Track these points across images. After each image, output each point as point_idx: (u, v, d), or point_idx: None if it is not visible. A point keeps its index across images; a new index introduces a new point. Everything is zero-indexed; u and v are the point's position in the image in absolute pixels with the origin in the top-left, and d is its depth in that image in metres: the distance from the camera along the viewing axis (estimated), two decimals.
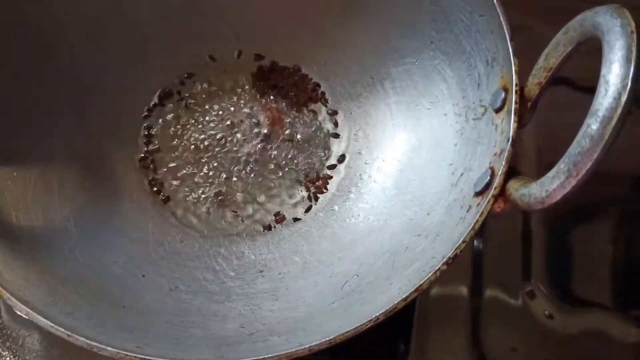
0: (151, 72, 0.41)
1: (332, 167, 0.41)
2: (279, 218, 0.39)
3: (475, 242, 0.43)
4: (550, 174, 0.25)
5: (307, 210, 0.40)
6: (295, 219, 0.39)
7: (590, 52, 0.27)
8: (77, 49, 0.38)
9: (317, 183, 0.40)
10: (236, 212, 0.39)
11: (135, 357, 0.26)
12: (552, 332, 0.41)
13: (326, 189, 0.40)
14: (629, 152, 0.44)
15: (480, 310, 0.41)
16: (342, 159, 0.41)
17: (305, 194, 0.40)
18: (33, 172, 0.36)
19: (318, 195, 0.40)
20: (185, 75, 0.42)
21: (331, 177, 0.41)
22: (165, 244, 0.37)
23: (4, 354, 0.39)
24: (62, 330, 0.26)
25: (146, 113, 0.42)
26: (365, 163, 0.41)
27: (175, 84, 0.42)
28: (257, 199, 0.40)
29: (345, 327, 0.27)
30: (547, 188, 0.26)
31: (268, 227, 0.39)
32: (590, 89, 0.24)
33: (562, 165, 0.25)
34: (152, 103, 0.42)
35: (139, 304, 0.32)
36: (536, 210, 0.28)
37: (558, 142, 0.27)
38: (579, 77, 0.44)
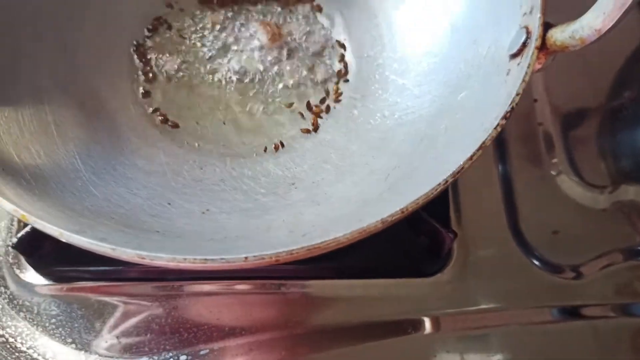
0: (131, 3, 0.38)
1: (342, 74, 0.39)
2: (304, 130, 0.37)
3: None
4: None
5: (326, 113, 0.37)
6: (316, 129, 0.37)
7: None
8: None
9: (329, 91, 0.38)
10: (253, 130, 0.36)
11: (195, 260, 0.23)
12: (586, 210, 0.41)
13: (339, 97, 0.38)
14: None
15: (514, 200, 0.40)
16: (346, 66, 0.39)
17: (318, 102, 0.38)
18: (25, 112, 0.32)
19: (333, 103, 0.38)
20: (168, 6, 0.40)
21: (343, 81, 0.38)
22: (184, 173, 0.34)
23: (19, 325, 0.35)
24: (106, 245, 0.23)
25: (135, 44, 0.38)
26: (377, 64, 0.38)
27: (160, 13, 0.39)
28: (272, 114, 0.37)
29: (406, 202, 0.25)
30: (604, 10, 0.24)
31: (281, 145, 0.36)
32: None
33: None
34: (142, 34, 0.38)
35: (174, 228, 0.30)
36: (589, 44, 0.27)
37: None
38: None
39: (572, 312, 0.38)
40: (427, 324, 0.37)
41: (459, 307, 0.37)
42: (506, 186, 0.40)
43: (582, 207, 0.41)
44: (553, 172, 0.41)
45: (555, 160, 0.42)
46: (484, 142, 0.26)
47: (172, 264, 0.23)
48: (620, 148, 0.44)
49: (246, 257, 0.23)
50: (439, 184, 0.25)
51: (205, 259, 0.23)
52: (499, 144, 0.41)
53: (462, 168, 0.25)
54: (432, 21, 0.36)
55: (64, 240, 0.24)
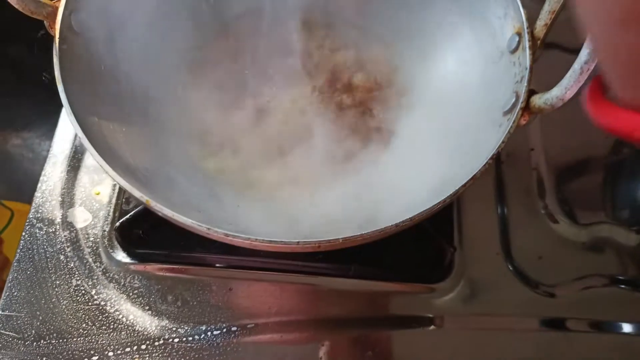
0: None
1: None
2: None
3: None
4: (567, 75, 0.34)
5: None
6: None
7: None
8: None
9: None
10: None
11: (264, 240, 0.33)
12: (568, 241, 0.49)
13: None
14: None
15: (508, 228, 0.49)
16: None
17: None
18: (134, 130, 0.43)
19: None
20: None
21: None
22: None
23: (109, 292, 0.45)
24: (204, 225, 0.33)
25: None
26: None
27: None
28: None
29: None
30: (566, 86, 0.34)
31: None
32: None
33: (575, 65, 0.33)
34: None
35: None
36: (556, 110, 0.36)
37: None
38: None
39: (550, 323, 0.46)
40: (431, 321, 0.45)
41: (457, 310, 0.46)
42: (502, 215, 0.49)
43: (565, 239, 0.49)
44: (542, 211, 0.50)
45: (545, 200, 0.51)
46: (475, 174, 0.35)
47: (246, 242, 0.33)
48: (617, 199, 0.53)
49: (298, 242, 0.33)
50: (439, 202, 0.34)
51: (271, 240, 0.33)
52: (499, 181, 0.51)
53: (457, 191, 0.35)
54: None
55: (174, 220, 0.34)
